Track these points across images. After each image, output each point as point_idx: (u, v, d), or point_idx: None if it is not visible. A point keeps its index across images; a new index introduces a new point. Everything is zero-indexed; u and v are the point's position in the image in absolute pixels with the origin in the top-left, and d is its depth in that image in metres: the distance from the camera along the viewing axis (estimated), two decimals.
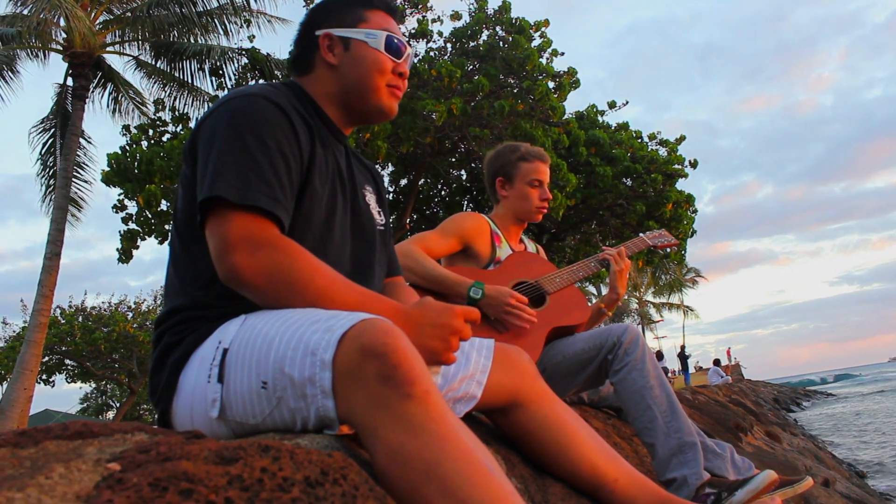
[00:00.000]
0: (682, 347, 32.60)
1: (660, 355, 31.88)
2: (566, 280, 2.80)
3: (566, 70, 14.20)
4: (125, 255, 12.72)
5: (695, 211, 16.74)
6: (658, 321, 54.88)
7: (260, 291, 1.33)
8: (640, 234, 3.15)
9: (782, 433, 11.34)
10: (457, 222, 2.86)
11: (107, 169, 12.22)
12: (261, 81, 13.40)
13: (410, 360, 1.10)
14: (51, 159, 14.94)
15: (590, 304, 2.90)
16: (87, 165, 14.60)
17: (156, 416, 1.48)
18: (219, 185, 1.34)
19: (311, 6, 1.76)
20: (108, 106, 15.13)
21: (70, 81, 13.69)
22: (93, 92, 14.55)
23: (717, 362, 28.94)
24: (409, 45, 1.74)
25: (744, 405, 13.04)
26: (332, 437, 1.18)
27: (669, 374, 29.28)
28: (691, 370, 32.23)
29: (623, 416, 3.01)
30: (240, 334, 1.31)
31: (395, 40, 1.68)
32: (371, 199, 1.78)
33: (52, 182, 14.82)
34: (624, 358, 2.42)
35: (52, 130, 14.84)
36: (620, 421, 3.00)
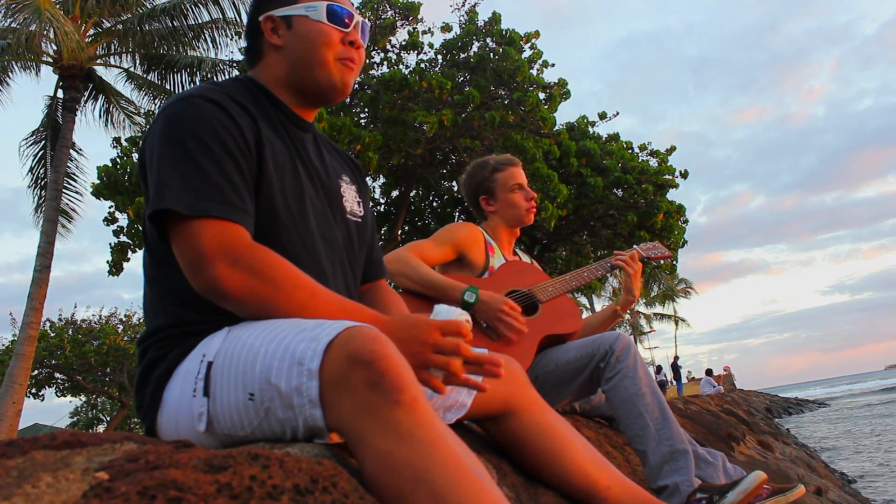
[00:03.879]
0: (676, 358, 32.65)
1: (659, 369, 31.92)
2: (559, 289, 2.81)
3: (556, 81, 14.28)
4: (115, 267, 12.69)
5: (686, 221, 16.81)
6: (649, 332, 54.94)
7: (241, 304, 1.31)
8: (634, 246, 3.17)
9: (774, 442, 11.32)
10: (451, 231, 2.87)
11: (97, 181, 12.20)
12: None
13: (398, 368, 1.09)
14: (42, 171, 14.90)
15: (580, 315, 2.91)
16: (77, 177, 14.58)
17: (143, 430, 1.46)
18: (166, 199, 1.30)
19: None
20: (99, 117, 15.14)
21: (61, 94, 13.68)
22: (84, 104, 14.53)
23: (709, 372, 28.96)
24: (358, 12, 1.65)
25: (736, 415, 13.04)
26: (321, 446, 1.17)
27: (669, 384, 29.20)
28: (683, 380, 32.23)
29: (615, 425, 3.01)
30: (224, 347, 1.29)
31: (338, 8, 1.61)
32: (348, 188, 1.72)
33: (43, 194, 14.77)
34: (616, 366, 2.42)
35: (43, 143, 14.80)
36: (612, 430, 3.00)
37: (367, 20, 1.74)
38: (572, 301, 2.87)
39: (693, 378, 41.59)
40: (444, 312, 1.37)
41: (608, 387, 2.44)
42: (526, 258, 3.18)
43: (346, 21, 1.62)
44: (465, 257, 2.84)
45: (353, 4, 1.68)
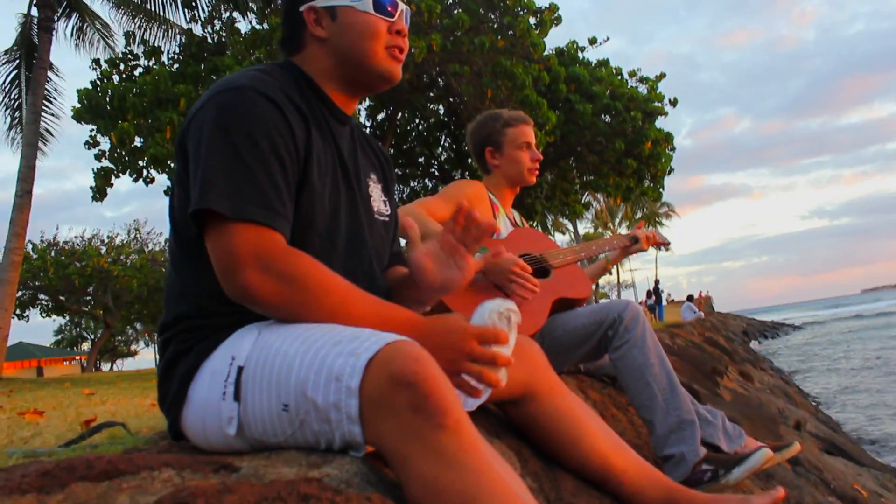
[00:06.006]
0: (657, 282, 33.04)
1: (649, 294, 32.10)
2: (570, 258, 2.80)
3: (547, 6, 13.91)
4: (99, 193, 12.45)
5: (673, 149, 16.74)
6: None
7: (273, 309, 1.30)
8: (652, 227, 3.26)
9: (754, 371, 11.65)
10: (458, 188, 2.86)
11: (78, 105, 11.87)
12: (235, 14, 12.97)
13: (442, 390, 1.08)
14: (16, 92, 14.49)
15: None
16: (54, 99, 14.18)
17: (167, 423, 1.44)
18: (210, 198, 1.27)
19: None
20: (71, 36, 14.60)
21: (35, 12, 13.19)
22: (57, 22, 14.01)
23: (690, 298, 29.45)
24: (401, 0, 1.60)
25: (718, 344, 13.35)
26: (359, 461, 1.16)
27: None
28: (664, 303, 32.69)
29: (618, 384, 3.05)
30: (255, 352, 1.27)
31: None
32: (375, 188, 1.69)
33: (16, 115, 14.44)
34: (624, 335, 2.42)
35: (17, 62, 14.32)
36: (616, 390, 3.03)
37: (409, 7, 1.66)
38: (582, 270, 2.89)
39: (672, 300, 42.28)
40: (493, 306, 1.34)
41: (617, 355, 2.44)
42: (517, 217, 3.18)
43: (391, 10, 1.55)
44: None
45: None
